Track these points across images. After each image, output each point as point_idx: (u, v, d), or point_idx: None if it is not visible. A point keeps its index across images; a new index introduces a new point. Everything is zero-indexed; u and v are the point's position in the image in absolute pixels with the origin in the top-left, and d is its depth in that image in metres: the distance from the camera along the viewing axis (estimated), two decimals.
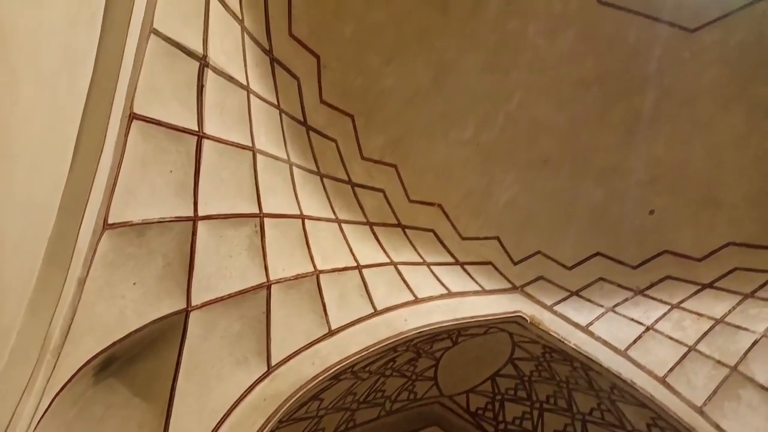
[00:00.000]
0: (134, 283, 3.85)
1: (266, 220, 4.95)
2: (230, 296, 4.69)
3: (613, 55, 6.79)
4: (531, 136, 7.33)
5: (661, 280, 7.23)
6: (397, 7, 6.18)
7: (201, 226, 4.30)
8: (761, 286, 6.68)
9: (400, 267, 6.40)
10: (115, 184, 3.46)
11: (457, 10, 6.35)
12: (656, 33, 6.60)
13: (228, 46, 4.50)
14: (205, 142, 4.23)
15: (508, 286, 7.24)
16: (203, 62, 4.10)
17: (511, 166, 7.44)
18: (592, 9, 6.40)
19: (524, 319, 6.77)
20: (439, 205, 7.15)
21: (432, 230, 7.03)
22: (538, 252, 7.56)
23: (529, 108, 7.14)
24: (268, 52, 5.17)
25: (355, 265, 5.97)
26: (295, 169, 5.42)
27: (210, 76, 4.20)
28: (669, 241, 7.43)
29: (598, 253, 7.62)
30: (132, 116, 3.52)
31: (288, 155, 5.33)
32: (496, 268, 7.28)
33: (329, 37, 5.94)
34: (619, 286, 7.30)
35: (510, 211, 7.56)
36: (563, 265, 7.59)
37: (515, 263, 7.49)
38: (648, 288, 7.22)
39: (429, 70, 6.71)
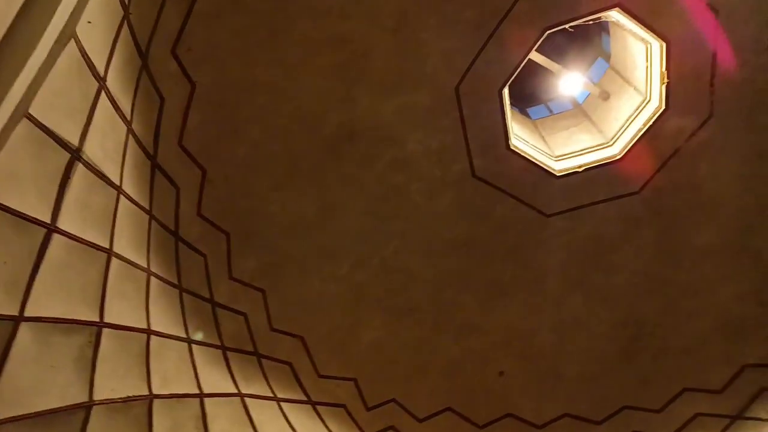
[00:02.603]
0: None
1: (105, 331, 4.48)
2: (38, 414, 4.04)
3: (482, 224, 7.47)
4: (402, 284, 7.59)
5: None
6: (294, 144, 6.48)
7: (24, 328, 3.79)
8: None
9: (247, 400, 5.97)
10: None
11: (351, 157, 6.77)
12: (519, 212, 7.42)
13: (109, 144, 4.36)
14: (55, 237, 3.88)
15: None
16: (75, 155, 3.91)
17: (380, 309, 7.55)
18: (467, 180, 7.13)
19: None
20: (302, 338, 6.96)
21: (289, 363, 6.75)
22: (393, 400, 7.47)
23: (403, 257, 7.48)
24: (152, 157, 5.08)
25: (198, 392, 5.49)
26: (153, 280, 5.09)
27: (80, 170, 3.99)
28: (514, 405, 7.73)
29: (449, 408, 7.70)
30: None
31: (148, 264, 5.03)
32: (348, 413, 7.04)
33: (221, 154, 6.02)
34: None
35: (372, 354, 7.53)
36: (415, 417, 7.53)
37: (368, 409, 7.31)
38: None
39: (314, 205, 6.92)
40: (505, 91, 6.72)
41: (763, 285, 7.25)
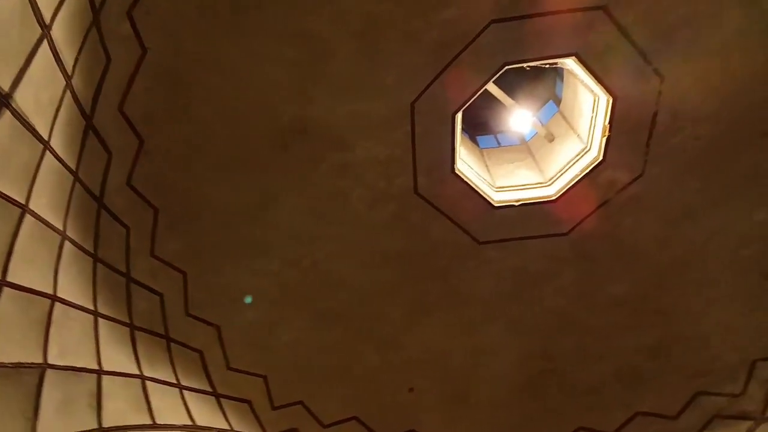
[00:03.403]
0: None
1: (6, 290, 4.20)
2: None
3: (416, 241, 7.57)
4: (330, 289, 7.56)
5: None
6: (243, 131, 6.38)
7: None
8: None
9: (148, 383, 5.74)
10: None
11: (298, 154, 6.71)
12: (454, 235, 7.57)
13: (43, 97, 4.14)
14: None
15: (259, 431, 6.86)
16: (3, 100, 3.68)
17: (303, 311, 7.49)
18: (409, 196, 7.21)
19: None
20: (217, 327, 6.80)
21: (200, 352, 6.57)
22: (301, 402, 7.41)
23: (335, 262, 7.46)
24: (88, 117, 4.85)
25: (96, 368, 5.23)
26: (67, 244, 4.81)
27: (6, 117, 3.76)
28: (419, 422, 7.85)
29: (355, 418, 7.71)
30: None
31: (65, 227, 4.77)
32: (252, 410, 6.92)
33: (163, 128, 5.86)
34: None
35: (287, 354, 7.45)
36: (320, 422, 7.49)
37: (274, 408, 7.21)
38: None
39: (254, 196, 6.81)
40: (459, 116, 6.88)
41: (664, 340, 7.71)
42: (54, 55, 4.13)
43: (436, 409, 7.97)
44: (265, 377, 7.16)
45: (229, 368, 6.83)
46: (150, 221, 5.97)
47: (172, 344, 6.23)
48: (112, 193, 5.39)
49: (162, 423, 5.73)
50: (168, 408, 5.92)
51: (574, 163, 7.51)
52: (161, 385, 5.93)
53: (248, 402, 6.92)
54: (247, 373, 7.05)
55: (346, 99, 6.48)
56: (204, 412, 6.31)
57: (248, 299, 7.19)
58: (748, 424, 7.42)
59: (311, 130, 6.59)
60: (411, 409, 7.89)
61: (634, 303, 7.69)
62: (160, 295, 6.15)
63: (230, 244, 6.85)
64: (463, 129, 7.71)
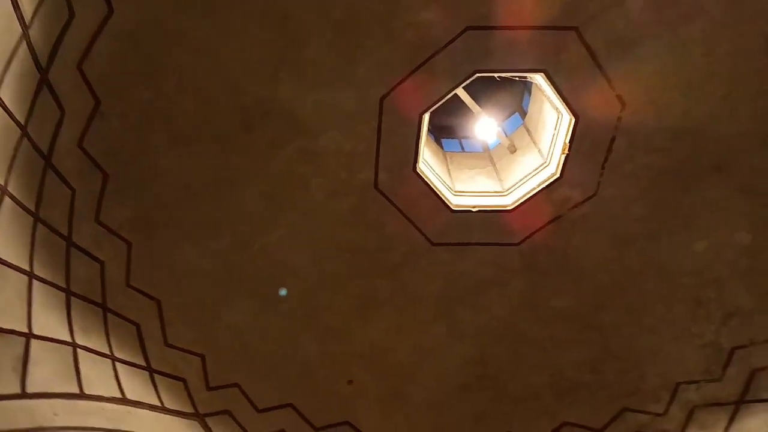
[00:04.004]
0: None
1: None
2: None
3: (371, 236, 7.60)
4: (279, 275, 7.51)
5: None
6: (208, 105, 6.26)
7: None
8: None
9: (79, 351, 5.57)
10: None
11: (261, 135, 6.64)
12: (409, 234, 7.64)
13: None
14: None
15: (191, 411, 6.76)
16: None
17: (249, 293, 7.42)
18: (368, 190, 7.23)
19: None
20: (158, 302, 6.66)
21: (137, 324, 6.42)
22: (236, 385, 7.33)
23: (287, 248, 7.42)
24: (43, 71, 4.67)
25: (26, 332, 5.04)
26: (7, 200, 4.62)
27: None
28: (354, 415, 7.89)
29: (291, 405, 7.69)
30: None
31: (6, 182, 4.58)
32: (186, 388, 6.80)
33: (123, 92, 5.66)
34: None
35: (228, 335, 7.36)
36: (254, 406, 7.43)
37: (209, 388, 7.11)
38: None
39: (211, 172, 6.69)
40: (426, 117, 6.94)
41: (598, 357, 7.98)
42: (12, 3, 3.95)
43: (373, 404, 8.03)
44: (203, 357, 7.06)
45: (167, 344, 6.70)
46: (98, 186, 5.79)
47: (109, 314, 6.06)
48: (62, 153, 5.19)
49: (90, 393, 5.58)
50: (98, 378, 5.76)
51: (532, 177, 7.69)
52: (93, 354, 5.76)
53: (183, 380, 6.80)
54: (185, 350, 6.93)
55: (316, 86, 6.44)
56: (136, 387, 6.17)
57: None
58: None
59: (276, 113, 6.53)
60: (348, 402, 7.93)
61: (575, 318, 7.93)
62: (101, 262, 5.98)
63: (180, 218, 6.72)
64: (429, 130, 7.77)
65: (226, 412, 7.05)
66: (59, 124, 5.10)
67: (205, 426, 6.76)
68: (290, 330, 7.74)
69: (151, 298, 6.60)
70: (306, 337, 7.85)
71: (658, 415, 7.81)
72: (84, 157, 5.51)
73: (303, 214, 7.28)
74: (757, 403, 7.20)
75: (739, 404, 7.34)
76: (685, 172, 7.03)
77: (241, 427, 7.20)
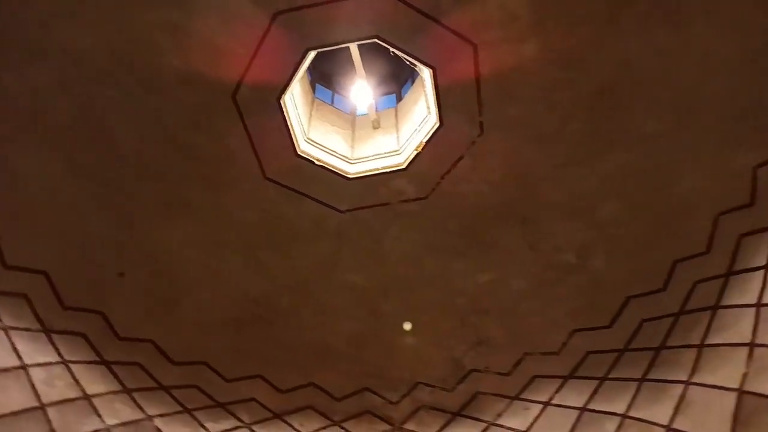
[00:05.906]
0: None
1: None
2: None
3: (209, 144, 7.22)
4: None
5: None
6: None
7: None
8: None
9: None
10: None
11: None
12: (246, 157, 7.38)
13: None
14: None
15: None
16: None
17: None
18: (225, 95, 6.83)
19: None
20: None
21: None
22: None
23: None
24: None
25: None
26: None
27: None
28: (110, 308, 7.47)
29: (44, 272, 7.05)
30: None
31: None
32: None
33: None
34: None
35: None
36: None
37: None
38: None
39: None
40: (312, 54, 6.73)
41: (365, 336, 8.56)
42: None
43: (136, 302, 7.67)
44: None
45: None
46: None
47: None
48: None
49: None
50: None
51: (381, 158, 7.96)
52: None
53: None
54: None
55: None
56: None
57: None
58: (388, 427, 8.62)
59: None
60: (109, 292, 7.47)
61: (363, 295, 8.39)
62: None
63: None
64: (309, 70, 7.59)
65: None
66: None
67: None
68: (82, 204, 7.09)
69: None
70: (100, 215, 7.26)
71: (391, 402, 8.63)
72: None
73: (148, 89, 6.65)
74: (469, 419, 8.35)
75: (455, 415, 8.44)
76: (498, 213, 7.70)
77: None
